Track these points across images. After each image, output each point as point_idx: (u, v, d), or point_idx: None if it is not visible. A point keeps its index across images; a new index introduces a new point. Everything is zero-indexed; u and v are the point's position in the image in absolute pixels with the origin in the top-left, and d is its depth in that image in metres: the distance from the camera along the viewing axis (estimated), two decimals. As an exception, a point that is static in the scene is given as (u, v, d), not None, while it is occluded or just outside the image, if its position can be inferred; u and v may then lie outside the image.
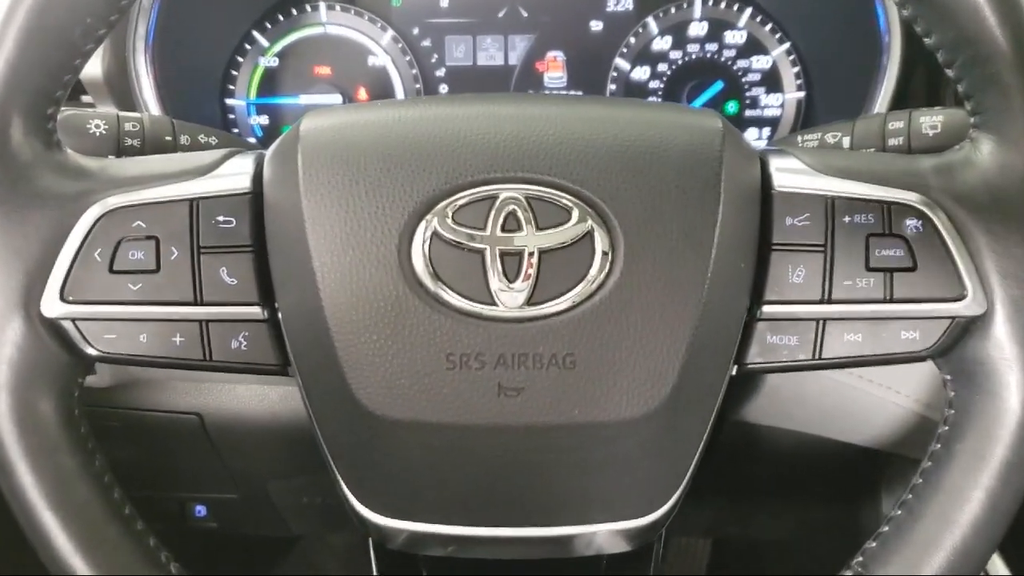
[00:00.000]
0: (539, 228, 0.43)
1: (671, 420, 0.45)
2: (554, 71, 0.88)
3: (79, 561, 0.47)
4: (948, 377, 0.48)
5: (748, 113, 0.86)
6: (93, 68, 0.76)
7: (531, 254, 0.43)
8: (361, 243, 0.44)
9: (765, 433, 0.79)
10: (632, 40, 0.86)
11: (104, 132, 0.58)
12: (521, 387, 0.44)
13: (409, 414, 0.44)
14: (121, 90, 0.75)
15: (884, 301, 0.46)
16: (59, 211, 0.45)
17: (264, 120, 0.86)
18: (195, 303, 0.46)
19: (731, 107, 0.86)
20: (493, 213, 0.43)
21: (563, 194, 0.44)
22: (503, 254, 0.43)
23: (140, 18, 0.77)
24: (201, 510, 1.07)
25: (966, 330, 0.46)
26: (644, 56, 0.87)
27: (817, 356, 0.47)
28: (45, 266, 0.45)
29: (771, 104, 0.86)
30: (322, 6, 0.86)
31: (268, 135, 0.86)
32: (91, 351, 0.46)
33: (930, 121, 0.57)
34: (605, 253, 0.43)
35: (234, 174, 0.48)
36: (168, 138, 0.60)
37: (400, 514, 0.48)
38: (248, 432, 0.83)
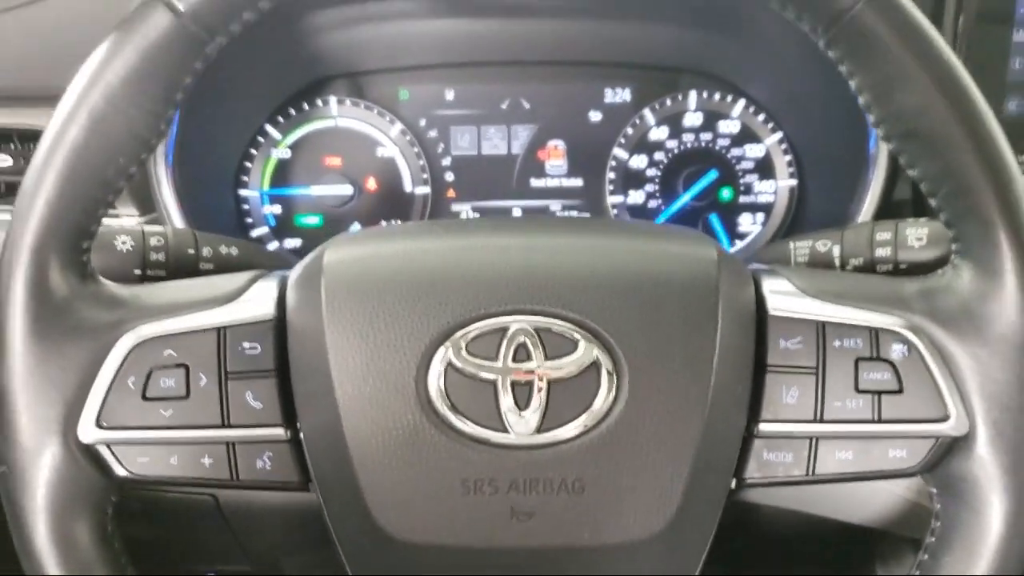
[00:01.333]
0: (548, 358, 0.46)
1: (676, 539, 0.47)
2: (555, 159, 0.90)
3: None
4: (934, 491, 0.50)
5: (743, 199, 0.88)
6: None
7: (540, 383, 0.45)
8: (380, 372, 0.46)
9: (765, 511, 0.81)
10: (630, 130, 0.89)
11: (131, 248, 0.60)
12: (533, 511, 0.46)
13: (425, 537, 0.46)
14: (142, 195, 0.77)
15: (873, 421, 0.48)
16: (94, 342, 0.48)
17: (277, 209, 0.88)
18: (222, 426, 0.48)
19: (726, 193, 0.88)
20: (504, 344, 0.46)
21: (570, 325, 0.46)
22: (514, 383, 0.45)
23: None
24: (215, 582, 1.09)
25: (950, 449, 0.48)
26: (641, 145, 0.89)
27: (811, 472, 0.49)
28: (81, 394, 0.47)
29: (765, 191, 0.88)
30: (332, 100, 0.88)
31: (280, 224, 0.88)
32: (124, 473, 0.48)
33: (916, 233, 0.60)
34: (610, 381, 0.46)
35: (258, 299, 0.50)
36: (191, 251, 0.62)
37: None
38: (262, 512, 0.84)
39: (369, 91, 0.89)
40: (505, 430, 0.45)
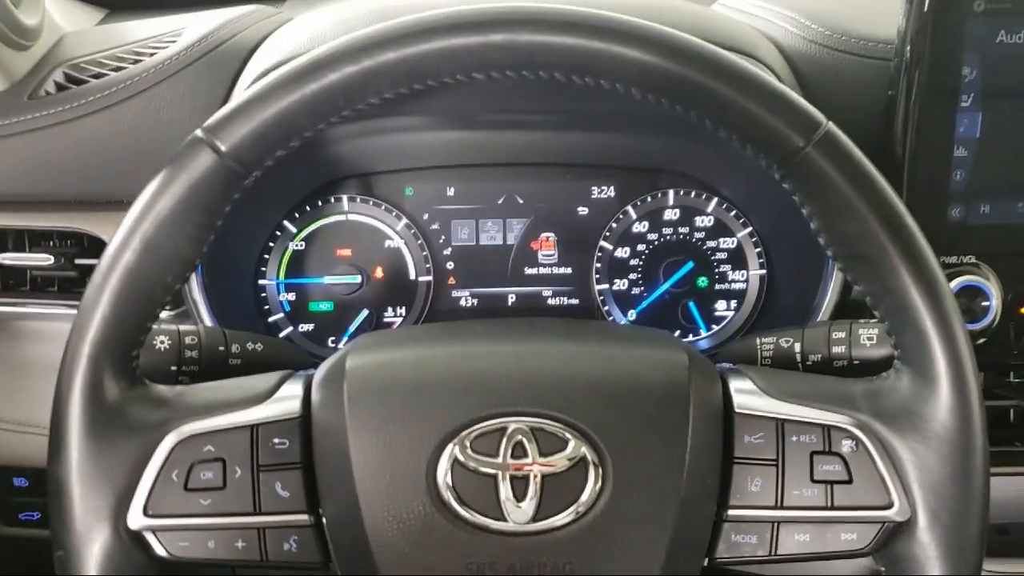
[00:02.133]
0: (541, 454, 0.51)
1: None
2: (547, 250, 0.94)
3: None
4: (883, 569, 0.55)
5: (718, 287, 0.92)
6: None
7: (536, 477, 0.51)
8: (395, 466, 0.52)
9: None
10: (614, 224, 0.93)
11: (168, 347, 0.65)
12: None
13: None
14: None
15: (826, 508, 0.53)
16: (143, 440, 0.53)
17: (291, 296, 0.92)
18: (254, 513, 0.53)
19: (702, 281, 0.93)
20: (504, 442, 0.51)
21: (560, 425, 0.52)
22: (512, 477, 0.51)
23: None
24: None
25: (895, 532, 0.53)
26: (625, 238, 0.94)
27: (773, 553, 0.54)
28: (131, 486, 0.52)
29: (737, 279, 0.93)
30: (344, 198, 0.92)
31: (295, 310, 0.92)
32: (166, 555, 0.53)
33: (867, 333, 0.66)
34: (596, 475, 0.51)
35: (287, 398, 0.55)
36: (221, 348, 0.67)
37: None
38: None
39: (377, 189, 0.93)
40: (504, 519, 0.51)
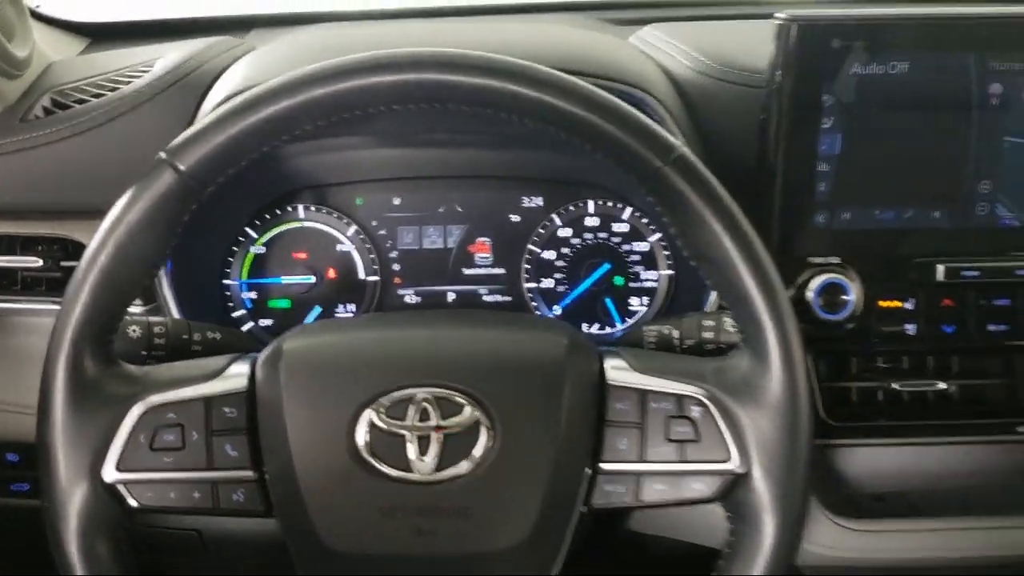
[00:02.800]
0: (443, 418, 0.61)
1: (536, 547, 0.62)
2: (483, 252, 1.03)
3: None
4: (728, 514, 0.65)
5: (632, 285, 1.01)
6: None
7: (437, 437, 0.61)
8: (322, 430, 0.61)
9: (649, 539, 0.96)
10: (541, 230, 1.02)
11: (139, 335, 0.75)
12: (433, 531, 0.61)
13: (354, 549, 0.61)
14: (147, 288, 0.91)
15: (679, 462, 0.63)
16: (115, 408, 0.62)
17: (253, 295, 1.01)
18: (208, 469, 0.63)
19: (618, 280, 1.01)
20: (411, 409, 0.61)
21: (458, 394, 0.62)
22: (419, 437, 0.61)
23: None
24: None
25: (735, 483, 0.63)
26: (551, 241, 1.02)
27: (637, 500, 0.65)
28: (105, 447, 0.61)
29: (650, 279, 1.02)
30: (300, 207, 1.01)
31: (256, 307, 1.00)
32: (135, 504, 0.63)
33: (731, 322, 0.76)
34: (488, 435, 0.61)
35: (236, 376, 0.64)
36: (185, 336, 0.77)
37: None
38: (236, 543, 0.98)
39: (331, 199, 1.02)
40: (411, 471, 0.60)
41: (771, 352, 0.62)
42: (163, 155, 0.61)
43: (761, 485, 0.62)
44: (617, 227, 1.04)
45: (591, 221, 1.04)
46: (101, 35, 1.20)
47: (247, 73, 0.91)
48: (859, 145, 0.83)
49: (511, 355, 0.64)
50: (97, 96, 0.93)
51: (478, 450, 0.61)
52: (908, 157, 0.83)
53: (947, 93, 0.82)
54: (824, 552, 0.85)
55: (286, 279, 1.03)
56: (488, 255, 1.05)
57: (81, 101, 0.93)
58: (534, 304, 1.04)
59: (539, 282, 1.05)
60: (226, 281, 1.02)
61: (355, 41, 0.99)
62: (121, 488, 0.62)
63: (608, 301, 1.03)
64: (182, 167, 0.61)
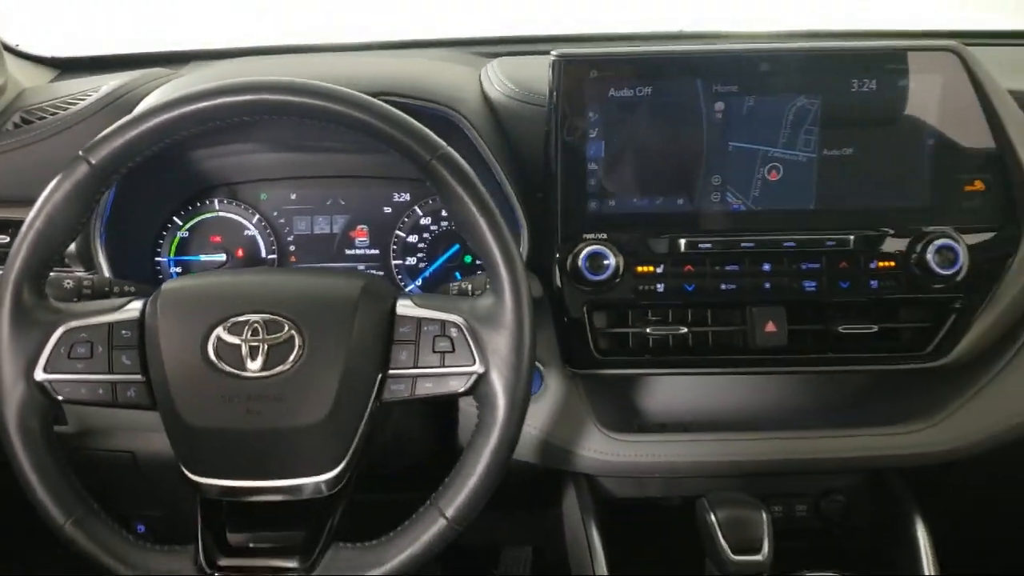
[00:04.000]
0: (268, 334, 0.85)
1: (332, 424, 0.83)
2: (361, 237, 1.26)
3: (52, 508, 0.87)
4: (476, 404, 0.90)
5: (478, 262, 1.24)
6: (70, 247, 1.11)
7: (263, 348, 0.85)
8: (184, 344, 0.84)
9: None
10: (407, 219, 1.25)
11: (71, 286, 0.99)
12: (259, 411, 0.83)
13: (206, 425, 0.83)
14: (86, 258, 1.11)
15: (441, 367, 0.86)
16: (45, 330, 0.85)
17: (178, 270, 1.24)
18: (109, 373, 0.86)
19: (467, 259, 1.25)
20: (247, 329, 0.85)
21: (281, 318, 0.86)
22: (251, 347, 0.86)
23: (98, 217, 1.11)
24: (141, 527, 1.36)
25: (478, 381, 0.86)
26: (415, 228, 1.25)
27: (414, 395, 0.88)
28: (36, 356, 0.84)
29: None
30: (216, 200, 1.24)
31: None
32: (59, 397, 0.86)
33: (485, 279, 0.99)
34: (299, 347, 0.84)
35: (131, 310, 0.88)
36: (106, 289, 1.01)
37: (209, 476, 0.86)
38: (164, 465, 1.21)
39: (240, 194, 1.25)
40: (245, 370, 0.84)
41: (506, 293, 0.86)
42: (81, 152, 0.86)
43: (496, 381, 0.85)
44: None
45: (446, 212, 1.27)
46: (68, 67, 1.46)
47: (156, 96, 1.17)
48: (618, 150, 1.06)
49: (320, 293, 0.88)
50: (53, 115, 1.18)
51: (292, 357, 0.84)
52: (656, 158, 1.07)
53: (683, 110, 1.06)
54: (596, 456, 1.09)
55: (204, 257, 1.27)
56: (366, 239, 1.28)
57: (42, 118, 1.19)
58: (400, 277, 1.28)
59: (404, 260, 1.28)
60: (157, 258, 1.27)
61: (247, 70, 1.25)
62: (47, 385, 0.85)
63: (457, 274, 1.27)
64: (93, 161, 0.85)
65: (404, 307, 0.90)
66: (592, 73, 1.05)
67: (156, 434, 0.90)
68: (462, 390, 0.87)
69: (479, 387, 0.86)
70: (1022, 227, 1.08)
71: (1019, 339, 1.13)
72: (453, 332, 0.87)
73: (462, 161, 0.87)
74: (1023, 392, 1.10)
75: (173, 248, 1.27)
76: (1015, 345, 1.12)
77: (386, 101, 0.90)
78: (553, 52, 1.06)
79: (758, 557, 0.93)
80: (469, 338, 0.87)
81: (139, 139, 0.86)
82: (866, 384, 1.17)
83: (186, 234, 1.27)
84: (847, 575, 1.02)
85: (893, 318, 1.09)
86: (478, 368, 0.86)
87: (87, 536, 0.85)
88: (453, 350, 0.87)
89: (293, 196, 1.28)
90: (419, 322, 0.88)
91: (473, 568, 1.71)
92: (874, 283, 1.07)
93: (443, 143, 0.87)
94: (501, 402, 0.86)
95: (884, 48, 1.06)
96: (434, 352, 0.87)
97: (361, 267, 1.30)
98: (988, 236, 1.07)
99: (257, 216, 1.27)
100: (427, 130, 0.87)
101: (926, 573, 1.09)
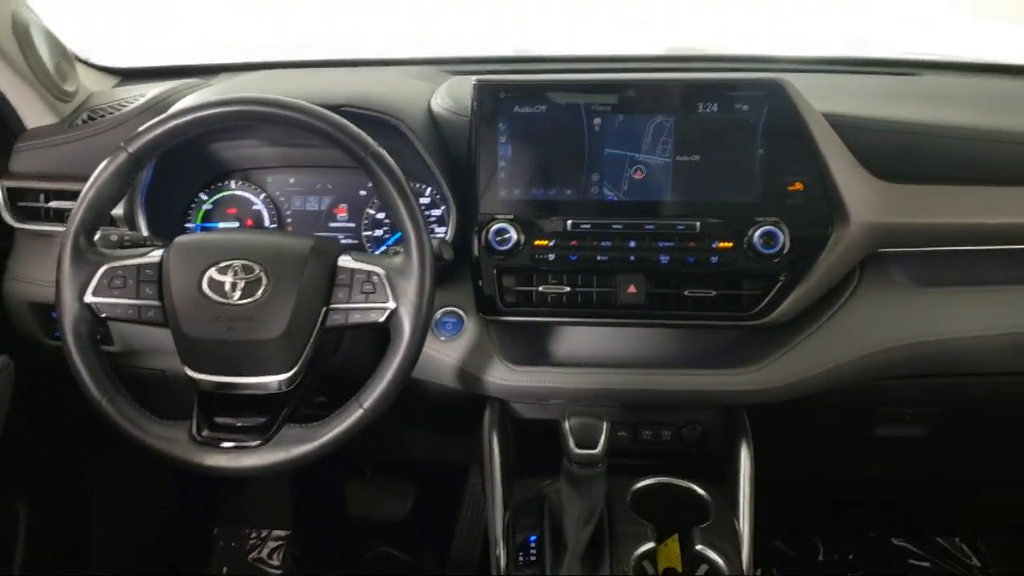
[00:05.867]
0: (244, 275, 1.17)
1: (286, 341, 1.15)
2: (342, 214, 1.52)
3: (93, 388, 1.22)
4: (390, 331, 1.21)
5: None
6: (117, 211, 1.37)
7: (241, 284, 1.18)
8: (187, 280, 1.16)
9: (425, 385, 1.51)
10: (375, 200, 1.50)
11: (115, 239, 1.32)
12: (236, 328, 1.16)
13: (202, 336, 1.14)
14: (131, 221, 1.38)
15: (366, 304, 1.17)
16: (93, 267, 1.19)
17: None
18: (136, 298, 1.20)
19: None
20: (230, 271, 1.17)
21: (253, 264, 1.17)
22: (232, 283, 1.18)
23: (138, 188, 1.37)
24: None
25: (392, 314, 1.17)
26: (381, 208, 1.56)
27: (347, 322, 1.20)
28: (87, 284, 1.19)
29: (439, 233, 1.55)
30: (232, 182, 1.52)
31: None
32: (102, 315, 1.20)
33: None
34: (266, 284, 1.16)
35: (153, 256, 1.21)
36: (141, 242, 1.36)
37: (203, 372, 1.20)
38: (186, 381, 1.56)
39: (251, 177, 1.52)
40: (228, 299, 1.16)
41: (413, 254, 1.16)
42: (121, 143, 1.20)
43: (403, 314, 1.15)
44: (423, 200, 1.50)
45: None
46: (127, 75, 1.80)
47: (180, 104, 1.51)
48: (521, 152, 1.36)
49: (282, 248, 1.19)
50: (110, 114, 1.53)
51: (260, 291, 1.15)
52: (550, 159, 1.36)
53: (569, 123, 1.35)
54: (499, 382, 1.40)
55: (222, 224, 1.60)
56: (345, 215, 1.55)
57: (103, 116, 1.54)
58: (368, 245, 1.61)
59: (373, 232, 1.54)
60: (187, 225, 1.60)
61: (258, 82, 1.59)
62: (93, 306, 1.18)
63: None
64: (130, 150, 1.19)
65: (344, 261, 1.21)
66: (502, 95, 1.35)
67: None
68: (381, 320, 1.14)
69: (392, 319, 1.13)
70: (833, 219, 1.35)
71: (832, 307, 1.41)
72: (375, 279, 1.18)
73: (388, 157, 1.18)
74: (827, 347, 1.38)
75: (199, 217, 1.56)
76: (827, 312, 1.40)
77: (344, 111, 1.22)
78: (474, 78, 1.36)
79: (594, 451, 1.22)
80: (387, 284, 1.17)
81: (163, 135, 1.19)
82: (714, 337, 1.45)
83: (209, 207, 1.56)
84: (675, 480, 1.32)
85: (729, 286, 1.36)
86: (391, 304, 1.15)
87: (116, 410, 1.18)
88: (375, 292, 1.17)
89: (291, 180, 1.55)
90: (352, 272, 1.19)
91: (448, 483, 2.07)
92: (715, 259, 1.35)
93: (374, 143, 1.18)
94: (406, 329, 1.16)
95: (722, 80, 1.34)
96: (362, 293, 1.17)
97: (340, 237, 1.59)
98: (806, 226, 1.35)
99: (264, 195, 1.56)
100: (362, 133, 1.18)
101: (741, 483, 1.37)
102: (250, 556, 2.20)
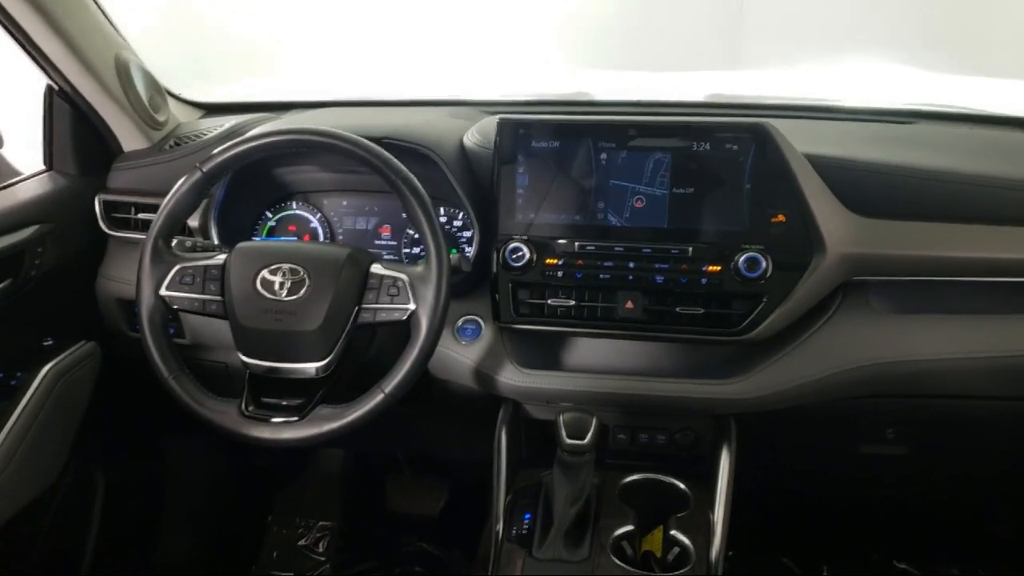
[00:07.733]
0: (291, 276, 1.35)
1: (323, 332, 1.32)
2: (385, 232, 1.67)
3: (162, 367, 1.41)
4: (411, 328, 1.37)
5: (463, 256, 1.77)
6: (193, 222, 1.55)
7: (288, 284, 1.35)
8: (244, 279, 1.34)
9: (451, 386, 1.66)
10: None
11: (189, 245, 1.52)
12: (281, 320, 1.34)
13: (254, 326, 1.32)
14: (205, 232, 1.56)
15: (391, 304, 1.34)
16: (168, 266, 1.38)
17: None
18: (202, 294, 1.38)
19: (453, 251, 1.76)
20: (279, 272, 1.35)
21: (298, 268, 1.34)
22: (279, 283, 1.36)
23: (213, 204, 1.55)
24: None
25: (412, 314, 1.34)
26: None
27: (375, 320, 1.37)
28: (162, 280, 1.38)
29: (470, 251, 1.76)
30: (294, 202, 1.72)
31: None
32: (174, 307, 1.39)
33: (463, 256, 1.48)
34: (308, 286, 1.35)
35: (218, 258, 1.39)
36: (211, 248, 1.55)
37: (254, 358, 1.37)
38: (243, 373, 1.74)
39: (310, 199, 1.70)
40: (276, 296, 1.34)
41: (433, 264, 1.33)
42: (196, 164, 1.40)
43: (422, 314, 1.32)
44: (456, 222, 1.64)
45: (442, 218, 1.69)
46: (211, 109, 2.03)
47: (249, 133, 1.71)
48: (537, 182, 1.51)
49: (323, 255, 1.37)
50: (194, 141, 1.75)
51: (303, 290, 1.32)
52: (561, 188, 1.51)
53: (579, 158, 1.51)
54: (511, 383, 1.55)
55: (283, 239, 1.81)
56: (388, 234, 1.70)
57: (187, 143, 1.76)
58: (407, 261, 1.78)
59: (411, 249, 1.69)
60: (254, 239, 1.82)
61: (317, 118, 1.79)
62: (166, 298, 1.38)
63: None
64: (204, 169, 1.39)
65: (375, 268, 1.37)
66: (521, 131, 1.51)
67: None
68: (403, 319, 1.29)
69: (412, 318, 1.28)
70: (813, 248, 1.47)
71: (812, 327, 1.52)
72: (400, 284, 1.34)
73: (416, 181, 1.35)
74: (803, 364, 1.49)
75: (264, 232, 1.74)
76: (807, 331, 1.52)
77: (386, 143, 1.39)
78: (498, 116, 1.53)
79: (583, 441, 1.36)
80: (409, 289, 1.34)
81: (232, 158, 1.38)
82: (703, 350, 1.57)
83: (273, 223, 1.75)
84: (660, 476, 1.44)
85: (717, 305, 1.49)
86: (412, 306, 1.31)
87: (179, 386, 1.37)
88: (399, 295, 1.34)
89: (344, 203, 1.72)
90: (381, 278, 1.36)
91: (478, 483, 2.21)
92: (704, 280, 1.48)
93: (404, 169, 1.35)
94: (424, 327, 1.31)
95: (714, 123, 1.48)
96: (388, 296, 1.33)
97: (384, 253, 1.78)
98: (787, 253, 1.47)
99: (320, 215, 1.74)
100: (395, 160, 1.35)
101: (719, 481, 1.49)
102: (299, 543, 2.36)
